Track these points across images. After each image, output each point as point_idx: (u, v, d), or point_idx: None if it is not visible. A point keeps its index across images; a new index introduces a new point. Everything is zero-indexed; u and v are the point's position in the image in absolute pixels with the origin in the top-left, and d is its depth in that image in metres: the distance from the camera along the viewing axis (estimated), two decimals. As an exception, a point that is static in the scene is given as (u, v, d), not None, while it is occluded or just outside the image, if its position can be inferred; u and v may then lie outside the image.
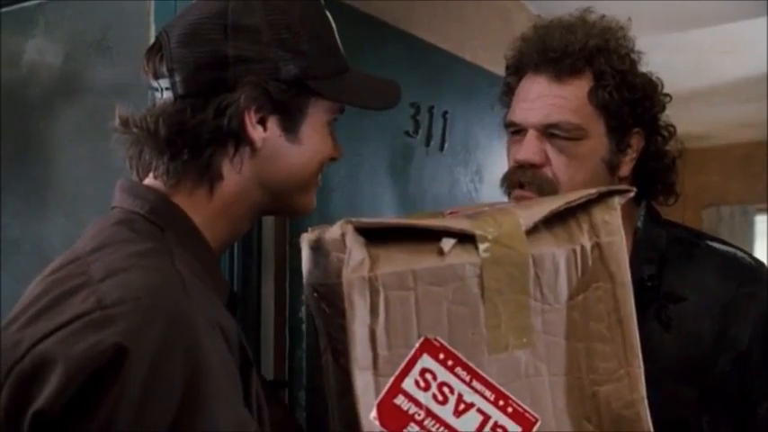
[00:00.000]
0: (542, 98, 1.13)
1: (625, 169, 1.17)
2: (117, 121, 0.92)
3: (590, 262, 0.87)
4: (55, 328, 0.74)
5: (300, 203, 0.98)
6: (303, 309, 1.66)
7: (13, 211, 1.86)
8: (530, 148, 1.12)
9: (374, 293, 0.81)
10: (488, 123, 2.42)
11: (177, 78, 0.88)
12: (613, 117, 1.13)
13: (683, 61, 3.85)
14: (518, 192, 1.15)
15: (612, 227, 0.87)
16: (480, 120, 2.40)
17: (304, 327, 1.66)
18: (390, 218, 0.89)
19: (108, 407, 0.70)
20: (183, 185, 0.90)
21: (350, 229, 0.83)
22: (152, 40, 1.63)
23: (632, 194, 0.90)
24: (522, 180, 1.13)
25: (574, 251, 0.86)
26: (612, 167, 1.16)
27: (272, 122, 0.91)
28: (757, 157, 5.91)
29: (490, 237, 0.84)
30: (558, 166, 1.12)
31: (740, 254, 1.18)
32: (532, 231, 0.86)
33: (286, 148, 0.92)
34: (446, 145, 2.24)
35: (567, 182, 1.12)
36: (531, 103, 1.14)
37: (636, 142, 1.16)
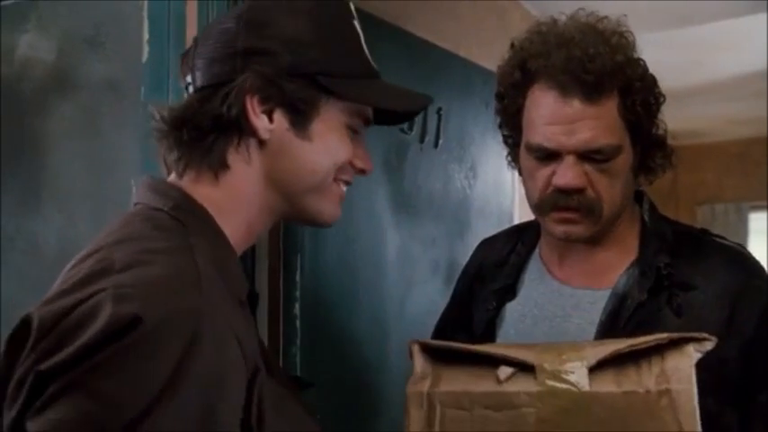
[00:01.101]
0: (580, 122, 1.10)
1: (636, 163, 1.19)
2: (156, 117, 0.95)
3: (656, 408, 0.85)
4: (72, 306, 0.75)
5: (316, 208, 0.96)
6: (297, 305, 1.66)
7: (8, 207, 1.85)
8: (572, 174, 1.11)
9: (431, 408, 0.88)
10: (483, 120, 2.42)
11: (197, 73, 0.92)
12: (636, 125, 1.14)
13: (678, 58, 3.85)
14: (559, 214, 1.15)
15: (684, 374, 0.85)
16: (475, 117, 2.40)
17: (298, 323, 1.67)
18: (456, 342, 0.94)
19: (100, 374, 0.71)
20: (187, 173, 0.92)
21: (416, 348, 0.92)
22: (145, 35, 1.66)
23: (711, 346, 0.88)
24: (567, 205, 1.13)
25: (637, 394, 0.85)
26: (634, 168, 1.18)
27: (280, 115, 0.91)
28: (752, 154, 5.93)
29: (549, 369, 0.85)
30: (601, 185, 1.13)
31: (745, 250, 1.21)
32: (598, 368, 0.85)
33: (295, 143, 0.92)
34: (440, 141, 2.24)
35: (609, 198, 1.14)
36: (565, 128, 1.11)
37: (642, 136, 1.18)
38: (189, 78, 0.94)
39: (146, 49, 1.63)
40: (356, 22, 0.99)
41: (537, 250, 1.30)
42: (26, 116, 1.83)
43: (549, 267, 1.26)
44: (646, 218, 1.22)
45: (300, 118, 0.92)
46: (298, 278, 1.67)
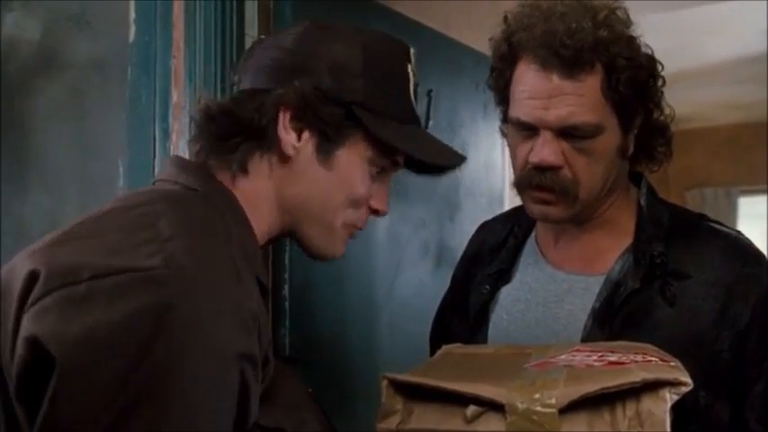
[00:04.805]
0: (558, 98, 1.08)
1: (631, 148, 1.16)
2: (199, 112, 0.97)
3: None
4: (119, 269, 0.75)
5: (317, 239, 0.97)
6: (286, 287, 1.66)
7: (-7, 188, 1.84)
8: (548, 151, 1.09)
9: None
10: (473, 102, 2.41)
11: (243, 77, 0.95)
12: (625, 106, 1.11)
13: (667, 42, 3.84)
14: (538, 194, 1.13)
15: (657, 419, 0.83)
16: (465, 98, 2.39)
17: (287, 305, 1.67)
18: (429, 377, 0.92)
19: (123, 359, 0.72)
20: (208, 164, 0.93)
21: (385, 383, 0.90)
22: (132, 14, 1.64)
23: (687, 389, 0.86)
24: (542, 183, 1.11)
25: None
26: (623, 152, 1.15)
27: (308, 136, 0.92)
28: (742, 138, 5.94)
29: (519, 409, 0.83)
30: (578, 165, 1.10)
31: (741, 237, 1.19)
32: (572, 408, 0.83)
33: (315, 168, 0.93)
34: (431, 123, 2.23)
35: (587, 180, 1.11)
36: (543, 103, 1.09)
37: (638, 120, 1.16)
38: (236, 78, 0.97)
39: (132, 28, 1.61)
40: (410, 67, 0.99)
41: (533, 233, 1.28)
42: (12, 96, 1.81)
43: (543, 251, 1.25)
44: (642, 202, 1.20)
45: (326, 144, 0.92)
46: (286, 260, 1.67)
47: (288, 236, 1.00)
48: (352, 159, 0.94)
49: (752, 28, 3.84)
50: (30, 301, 0.76)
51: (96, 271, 0.75)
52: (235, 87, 0.97)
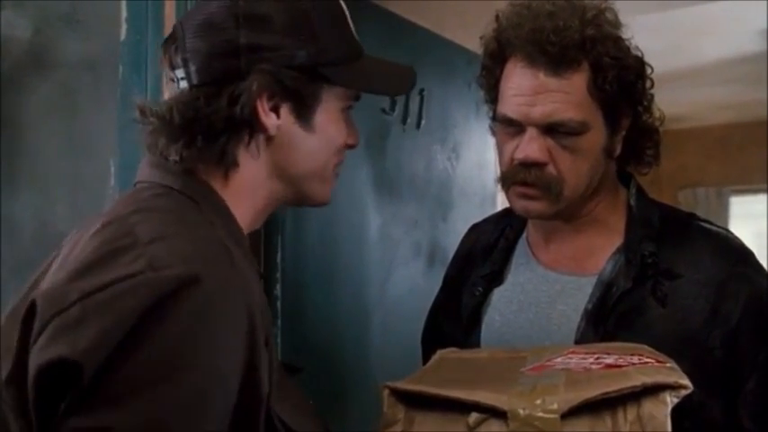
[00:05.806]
0: (543, 94, 1.09)
1: (618, 149, 1.17)
2: (137, 112, 0.94)
3: None
4: (105, 284, 0.76)
5: (317, 193, 1.00)
6: (278, 286, 1.66)
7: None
8: (532, 147, 1.10)
9: None
10: (466, 102, 2.42)
11: (191, 68, 0.91)
12: (611, 105, 1.12)
13: (661, 42, 3.85)
14: (521, 189, 1.14)
15: (659, 422, 0.84)
16: (458, 98, 2.39)
17: (279, 304, 1.66)
18: (429, 384, 0.93)
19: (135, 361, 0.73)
20: (197, 171, 0.93)
21: (386, 392, 0.92)
22: (124, 13, 1.63)
23: (687, 392, 0.87)
24: (526, 179, 1.12)
25: None
26: (609, 152, 1.16)
27: (286, 110, 0.93)
28: (734, 138, 5.97)
29: (521, 415, 0.84)
30: (563, 163, 1.11)
31: (731, 235, 1.20)
32: (574, 413, 0.84)
33: (300, 135, 0.94)
34: (423, 122, 2.23)
35: (572, 177, 1.12)
36: (529, 99, 1.10)
37: (625, 121, 1.16)
38: (180, 73, 0.92)
39: (124, 27, 1.61)
40: (341, 1, 0.99)
41: (524, 234, 1.29)
42: (2, 95, 1.80)
43: (534, 251, 1.25)
44: (632, 202, 1.20)
45: (305, 111, 0.94)
46: (278, 259, 1.67)
47: (287, 202, 1.02)
48: (330, 115, 0.96)
49: (745, 28, 3.85)
50: (32, 337, 0.77)
51: (83, 292, 0.76)
52: (180, 82, 0.92)
